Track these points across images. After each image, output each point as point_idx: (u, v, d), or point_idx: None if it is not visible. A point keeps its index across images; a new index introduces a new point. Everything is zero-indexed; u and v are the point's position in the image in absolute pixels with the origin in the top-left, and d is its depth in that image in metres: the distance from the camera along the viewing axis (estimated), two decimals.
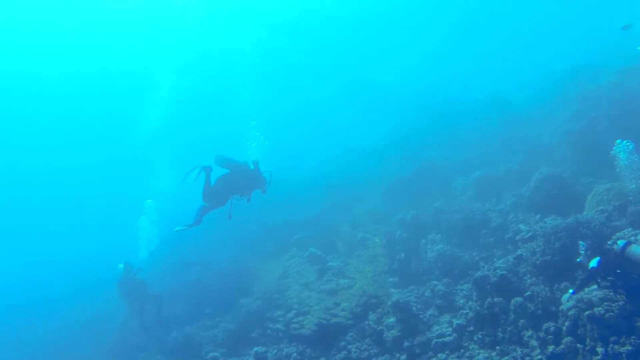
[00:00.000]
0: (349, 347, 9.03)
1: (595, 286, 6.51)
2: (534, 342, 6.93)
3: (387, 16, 31.37)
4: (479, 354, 7.38)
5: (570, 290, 6.75)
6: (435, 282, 10.09)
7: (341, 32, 31.30)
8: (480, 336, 7.69)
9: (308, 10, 28.61)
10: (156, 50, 28.91)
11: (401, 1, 30.18)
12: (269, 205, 16.38)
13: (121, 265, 12.11)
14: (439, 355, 7.83)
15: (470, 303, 8.49)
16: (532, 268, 8.26)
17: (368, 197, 18.45)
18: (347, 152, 27.00)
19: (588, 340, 6.30)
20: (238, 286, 13.44)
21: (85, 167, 37.10)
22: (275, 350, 9.90)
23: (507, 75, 28.94)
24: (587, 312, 6.29)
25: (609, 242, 6.49)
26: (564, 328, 6.67)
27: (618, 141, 9.46)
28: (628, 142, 9.27)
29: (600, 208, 9.37)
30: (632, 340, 5.83)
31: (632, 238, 7.26)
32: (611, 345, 5.96)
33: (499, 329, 7.50)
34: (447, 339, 8.02)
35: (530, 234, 9.69)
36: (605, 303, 6.21)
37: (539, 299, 7.46)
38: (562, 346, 6.55)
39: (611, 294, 6.27)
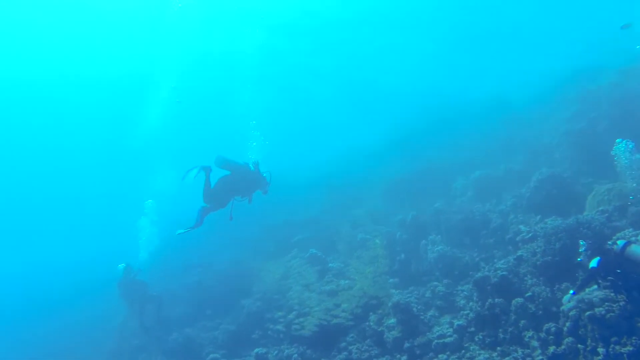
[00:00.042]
0: (350, 348, 9.03)
1: (595, 286, 6.52)
2: (535, 343, 6.93)
3: (387, 16, 31.35)
4: (479, 354, 7.38)
5: (571, 291, 6.75)
6: (435, 283, 10.08)
7: (341, 32, 31.26)
8: (481, 337, 7.69)
9: (308, 10, 28.59)
10: (156, 51, 28.90)
11: (401, 2, 30.18)
12: (269, 206, 16.37)
13: (121, 266, 12.09)
14: (440, 356, 7.82)
15: (470, 304, 8.49)
16: (533, 269, 8.26)
17: (368, 197, 18.47)
18: (347, 153, 27.06)
19: (589, 340, 6.30)
20: (239, 287, 13.42)
21: (86, 168, 37.11)
22: (276, 352, 9.89)
23: (507, 75, 28.98)
24: (588, 313, 6.29)
25: (609, 242, 6.49)
26: (565, 329, 6.67)
27: (618, 140, 9.47)
28: (628, 142, 9.28)
29: (600, 208, 9.37)
30: (633, 340, 5.83)
31: (633, 238, 7.27)
32: (612, 345, 5.96)
33: (500, 330, 7.49)
34: (448, 339, 8.02)
35: (530, 234, 9.69)
36: (606, 303, 6.21)
37: (540, 299, 7.46)
38: (563, 347, 6.54)
39: (612, 294, 6.27)
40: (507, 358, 7.01)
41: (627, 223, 8.48)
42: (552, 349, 6.62)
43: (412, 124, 24.56)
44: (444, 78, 32.33)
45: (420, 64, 33.73)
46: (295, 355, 9.45)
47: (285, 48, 30.75)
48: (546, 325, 6.96)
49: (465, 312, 8.44)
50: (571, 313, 6.59)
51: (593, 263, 6.33)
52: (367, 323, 9.41)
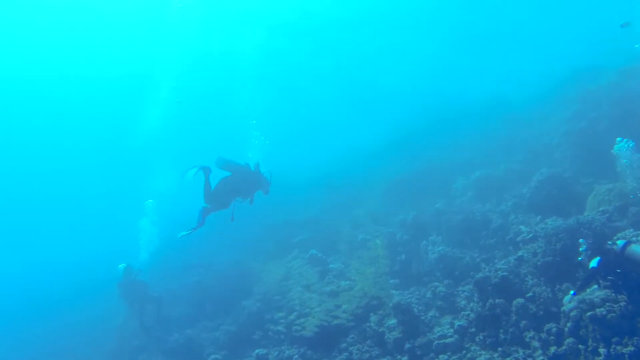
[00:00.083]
0: (350, 348, 9.02)
1: (596, 286, 6.52)
2: (536, 343, 6.92)
3: (387, 16, 31.36)
4: (480, 355, 7.38)
5: (572, 292, 6.75)
6: (436, 283, 10.08)
7: (341, 32, 31.28)
8: (481, 337, 7.69)
9: (308, 11, 28.60)
10: (156, 51, 28.90)
11: (401, 2, 30.19)
12: (270, 206, 16.35)
13: (121, 266, 12.07)
14: (441, 356, 7.82)
15: (471, 304, 8.49)
16: (534, 269, 8.26)
17: (368, 197, 18.46)
18: (347, 153, 27.04)
19: (590, 341, 6.29)
20: (239, 288, 13.42)
21: (86, 168, 37.10)
22: (276, 352, 9.89)
23: (508, 75, 28.98)
24: (589, 313, 6.29)
25: (609, 242, 6.50)
26: (566, 329, 6.67)
27: (618, 139, 9.46)
28: (628, 141, 9.27)
29: (601, 209, 9.38)
30: (634, 340, 5.83)
31: (634, 238, 7.27)
32: (613, 346, 5.96)
33: (501, 330, 7.49)
34: (449, 340, 8.02)
35: (531, 235, 9.69)
36: (607, 304, 6.21)
37: (541, 300, 7.46)
38: (564, 347, 6.54)
39: (613, 294, 6.28)
40: (508, 358, 7.01)
41: (628, 223, 8.49)
42: (553, 349, 6.62)
43: (412, 124, 24.55)
44: (444, 78, 32.34)
45: (420, 64, 33.74)
46: (296, 356, 9.45)
47: (285, 48, 30.77)
48: (547, 325, 6.96)
49: (466, 313, 8.45)
50: (572, 313, 6.59)
51: (593, 263, 6.34)
52: (368, 324, 9.40)
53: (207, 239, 17.21)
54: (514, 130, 18.08)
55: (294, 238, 15.77)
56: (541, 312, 7.30)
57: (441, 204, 13.56)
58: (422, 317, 8.99)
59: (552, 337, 6.80)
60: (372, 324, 9.32)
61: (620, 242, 6.30)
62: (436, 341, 8.12)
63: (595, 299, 6.35)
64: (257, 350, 10.16)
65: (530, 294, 7.65)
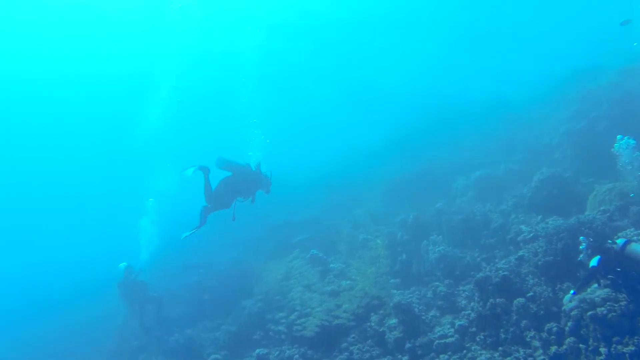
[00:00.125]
0: (351, 348, 9.02)
1: (596, 285, 6.53)
2: (537, 343, 6.93)
3: (387, 17, 31.38)
4: (481, 354, 7.38)
5: (572, 291, 6.75)
6: (437, 283, 10.08)
7: (341, 33, 31.31)
8: (482, 337, 7.69)
9: (308, 11, 28.64)
10: (156, 52, 28.91)
11: (400, 2, 30.20)
12: (270, 206, 16.36)
13: (122, 265, 12.06)
14: (441, 356, 7.82)
15: (472, 304, 8.49)
16: (534, 269, 8.26)
17: (369, 197, 18.46)
18: (347, 153, 27.03)
19: (591, 340, 6.30)
20: (240, 288, 13.41)
21: (86, 168, 37.10)
22: (277, 352, 9.89)
23: (508, 75, 28.98)
24: (589, 313, 6.29)
25: (609, 241, 6.50)
26: (567, 328, 6.67)
27: (619, 137, 9.45)
28: (629, 138, 9.27)
29: (602, 208, 9.38)
30: (635, 340, 5.83)
31: (635, 238, 7.28)
32: (614, 345, 5.96)
33: (501, 330, 7.49)
34: (449, 340, 8.02)
35: (532, 234, 9.69)
36: (608, 303, 6.21)
37: (541, 299, 7.46)
38: (564, 346, 6.55)
39: (614, 294, 6.28)
40: (508, 358, 7.01)
41: (629, 222, 8.49)
42: (553, 348, 6.62)
43: (412, 124, 24.56)
44: (444, 78, 32.34)
45: (420, 64, 33.76)
46: (297, 355, 9.45)
47: (285, 48, 30.81)
48: (548, 325, 6.96)
49: (467, 312, 8.45)
50: (573, 313, 6.59)
51: (593, 262, 6.34)
52: (369, 323, 9.40)
53: (208, 239, 17.21)
54: (514, 130, 18.09)
55: (294, 238, 15.77)
56: (542, 312, 7.30)
57: (441, 204, 13.56)
58: (423, 317, 8.99)
59: (552, 337, 6.80)
60: (373, 324, 9.31)
61: (620, 241, 6.30)
62: (437, 341, 8.12)
63: (596, 298, 6.35)
64: (257, 350, 10.15)
65: (531, 293, 7.66)
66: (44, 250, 32.22)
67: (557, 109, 16.88)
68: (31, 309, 21.30)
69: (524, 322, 7.29)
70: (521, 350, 7.01)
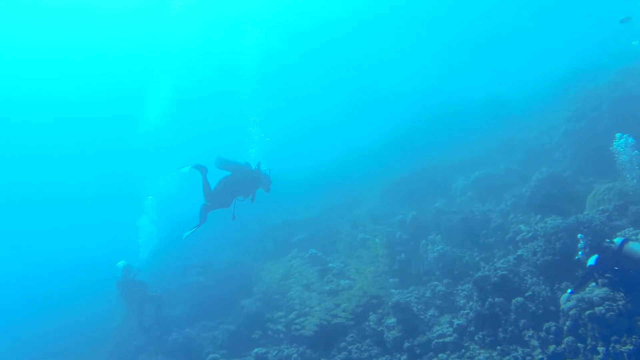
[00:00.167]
0: (350, 347, 9.02)
1: (594, 284, 6.53)
2: (535, 342, 6.93)
3: (386, 17, 31.41)
4: (479, 354, 7.37)
5: (569, 290, 6.74)
6: (435, 282, 10.08)
7: (341, 33, 31.34)
8: (481, 336, 7.68)
9: (309, 12, 28.69)
10: (156, 51, 28.93)
11: (399, 2, 30.22)
12: (269, 206, 16.37)
13: (120, 263, 12.05)
14: (440, 355, 7.82)
15: (470, 303, 8.48)
16: (533, 268, 8.25)
17: (368, 197, 18.46)
18: (347, 153, 27.03)
19: (589, 339, 6.29)
20: (239, 287, 13.42)
21: (86, 167, 37.12)
22: (275, 352, 9.88)
23: (507, 75, 28.97)
24: (588, 312, 6.29)
25: (606, 240, 6.49)
26: (565, 328, 6.67)
27: (618, 135, 9.43)
28: (628, 137, 9.24)
29: (601, 208, 9.37)
30: (633, 339, 5.83)
31: (633, 237, 7.27)
32: (612, 344, 5.96)
33: (500, 329, 7.49)
34: (448, 339, 8.02)
35: (530, 234, 9.68)
36: (606, 302, 6.21)
37: (540, 298, 7.47)
38: (563, 346, 6.55)
39: (612, 293, 6.28)
40: (507, 357, 7.01)
41: (628, 222, 8.48)
42: (552, 348, 6.62)
43: (411, 124, 24.56)
44: (443, 78, 32.34)
45: (420, 64, 33.76)
46: (295, 355, 9.44)
47: (285, 49, 30.82)
48: (546, 324, 6.96)
49: (465, 312, 8.44)
50: (571, 312, 6.59)
51: (591, 261, 6.33)
52: (367, 323, 9.39)
53: (207, 239, 17.23)
54: (514, 130, 18.09)
55: (293, 237, 15.77)
56: (540, 311, 7.30)
57: (441, 204, 13.56)
58: (422, 316, 8.99)
59: (551, 336, 6.80)
60: (372, 323, 9.31)
61: (617, 240, 6.30)
62: (435, 340, 8.12)
63: (595, 298, 6.35)
64: (256, 350, 10.14)
65: (529, 292, 7.66)
66: (43, 249, 32.24)
67: (557, 109, 16.86)
68: (31, 309, 21.30)
69: (523, 321, 7.29)
70: (519, 350, 7.01)
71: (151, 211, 19.00)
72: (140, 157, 32.13)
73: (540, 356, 6.65)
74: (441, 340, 8.06)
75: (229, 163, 8.33)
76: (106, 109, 34.54)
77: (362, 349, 8.89)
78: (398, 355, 8.38)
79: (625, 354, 5.79)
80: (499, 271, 8.15)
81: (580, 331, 6.47)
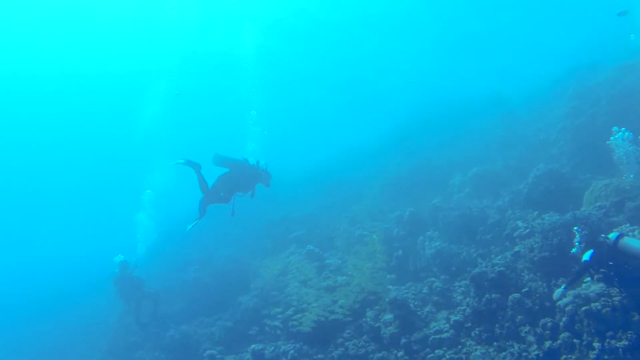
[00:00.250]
0: (347, 344, 9.01)
1: (589, 279, 6.52)
2: (531, 338, 6.94)
3: (384, 16, 31.32)
4: (476, 350, 7.38)
5: (563, 286, 6.73)
6: (432, 278, 10.09)
7: (340, 32, 31.27)
8: (477, 332, 7.69)
9: (305, 11, 28.59)
10: (154, 48, 28.83)
11: (399, 1, 30.12)
12: (268, 202, 16.36)
13: (117, 258, 11.99)
14: (437, 351, 7.83)
15: (467, 299, 8.49)
16: (530, 264, 8.26)
17: (366, 194, 18.47)
18: (345, 150, 27.02)
19: (585, 335, 6.31)
20: (236, 283, 13.42)
21: (85, 164, 37.05)
22: (272, 348, 9.88)
23: (506, 72, 28.95)
24: (584, 308, 6.30)
25: (602, 235, 6.48)
26: (561, 323, 6.69)
27: (615, 128, 9.39)
28: (625, 131, 9.22)
29: (598, 204, 9.36)
30: (628, 335, 5.85)
31: (630, 233, 7.27)
32: (608, 340, 5.97)
33: (497, 325, 7.50)
34: (445, 335, 8.03)
35: (528, 230, 9.67)
36: (602, 298, 6.22)
37: (537, 295, 7.47)
38: (559, 341, 6.56)
39: (608, 289, 6.28)
40: (503, 353, 7.02)
41: (624, 218, 8.47)
42: (548, 343, 6.63)
43: (410, 121, 24.54)
44: (442, 75, 32.31)
45: (418, 62, 33.71)
46: (292, 351, 9.44)
47: (283, 47, 30.74)
48: (542, 320, 6.97)
49: (462, 308, 8.44)
50: (567, 308, 6.60)
51: (586, 256, 6.33)
52: (364, 319, 9.40)
53: (206, 234, 17.22)
54: (512, 127, 18.08)
55: (291, 234, 15.77)
56: (537, 307, 7.31)
57: (438, 200, 13.56)
58: (419, 312, 8.99)
59: (547, 332, 6.81)
60: (369, 319, 9.31)
61: (612, 235, 6.29)
62: (432, 336, 8.13)
63: (591, 294, 6.36)
64: (253, 346, 10.13)
65: (526, 289, 7.66)
66: (41, 247, 32.22)
67: (555, 105, 16.87)
68: (28, 307, 21.28)
69: (519, 317, 7.30)
70: (516, 345, 7.01)
71: (149, 207, 18.95)
72: (138, 153, 32.07)
73: (537, 352, 6.66)
74: (438, 336, 8.07)
75: (226, 160, 8.30)
76: (104, 105, 34.44)
77: (359, 345, 8.90)
78: (395, 352, 8.38)
79: (620, 349, 5.80)
80: (496, 267, 8.15)
81: (576, 327, 6.48)
